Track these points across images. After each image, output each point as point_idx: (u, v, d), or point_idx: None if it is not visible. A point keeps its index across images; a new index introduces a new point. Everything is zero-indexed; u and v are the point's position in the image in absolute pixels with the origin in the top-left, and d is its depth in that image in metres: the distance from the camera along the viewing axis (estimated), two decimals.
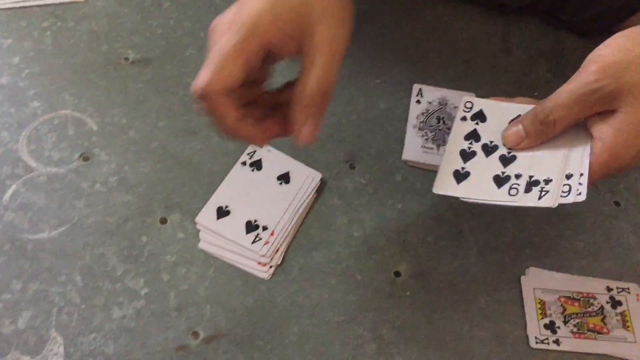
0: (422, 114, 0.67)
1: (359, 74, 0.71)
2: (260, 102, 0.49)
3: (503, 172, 0.49)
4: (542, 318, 0.55)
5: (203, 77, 0.43)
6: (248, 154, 0.63)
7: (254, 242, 0.57)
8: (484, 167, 0.50)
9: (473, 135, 0.52)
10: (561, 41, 0.76)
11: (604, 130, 0.46)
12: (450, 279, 0.58)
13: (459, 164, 0.50)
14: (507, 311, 0.56)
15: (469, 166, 0.50)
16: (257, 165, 0.62)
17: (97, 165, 0.62)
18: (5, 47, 0.69)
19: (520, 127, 0.49)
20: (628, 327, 0.55)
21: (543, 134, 0.48)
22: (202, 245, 0.58)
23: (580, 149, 0.48)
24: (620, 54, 0.46)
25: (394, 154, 0.65)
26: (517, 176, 0.49)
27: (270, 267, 0.57)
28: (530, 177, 0.48)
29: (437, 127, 0.66)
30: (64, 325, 0.53)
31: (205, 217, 0.59)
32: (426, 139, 0.65)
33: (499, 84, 0.72)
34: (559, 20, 0.76)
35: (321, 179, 0.62)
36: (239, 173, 0.62)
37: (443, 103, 0.68)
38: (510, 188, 0.48)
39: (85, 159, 0.62)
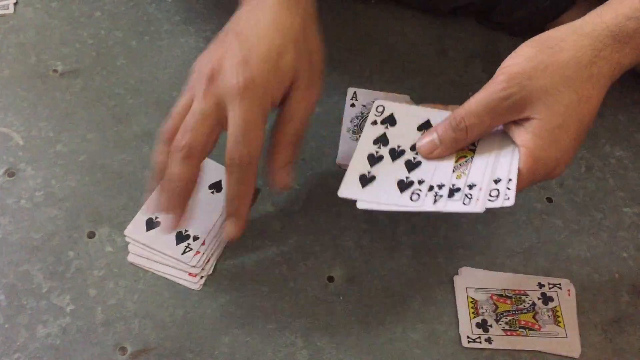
0: (357, 117, 0.67)
1: None
2: None
3: (407, 178, 0.49)
4: (474, 317, 0.56)
5: (244, 151, 0.47)
6: None
7: (184, 252, 0.56)
8: (389, 172, 0.50)
9: (382, 140, 0.52)
10: (495, 42, 0.77)
11: (524, 137, 0.47)
12: (384, 282, 0.58)
13: (365, 168, 0.50)
14: (440, 312, 0.56)
15: (374, 170, 0.50)
16: None
17: (23, 180, 0.60)
18: None
19: (434, 135, 0.50)
20: (559, 322, 0.56)
21: (456, 141, 0.49)
22: (131, 258, 0.57)
23: (509, 155, 0.48)
24: (525, 62, 0.47)
25: (328, 158, 0.65)
26: (420, 182, 0.49)
27: (202, 277, 0.56)
28: (441, 184, 0.48)
29: None
30: None
31: (135, 229, 0.58)
32: None
33: (434, 85, 0.72)
34: (492, 21, 0.77)
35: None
36: None
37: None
38: (413, 194, 0.48)
39: (11, 174, 0.61)
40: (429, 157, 0.50)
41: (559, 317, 0.56)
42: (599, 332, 0.56)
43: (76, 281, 0.55)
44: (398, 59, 0.74)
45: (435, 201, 0.47)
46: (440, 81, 0.72)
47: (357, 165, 0.50)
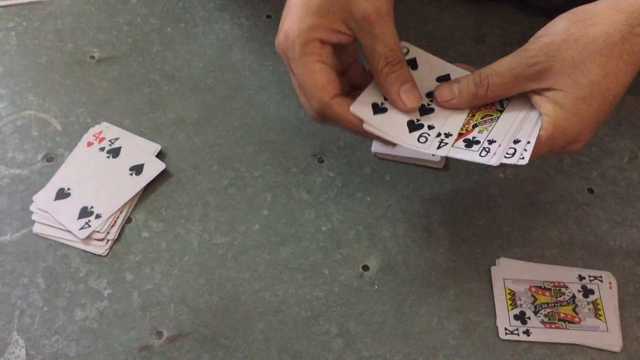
0: None
1: None
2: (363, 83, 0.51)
3: (417, 120, 0.49)
4: (512, 309, 0.54)
5: (315, 92, 0.48)
6: (110, 141, 0.62)
7: (82, 228, 0.56)
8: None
9: None
10: (535, 28, 0.73)
11: (547, 107, 0.47)
12: (419, 271, 0.57)
13: (379, 98, 0.50)
14: (476, 302, 0.55)
15: (387, 104, 0.49)
16: (114, 152, 0.61)
17: (61, 165, 0.61)
18: None
19: (455, 85, 0.49)
20: (600, 316, 0.54)
21: (474, 97, 0.49)
22: (36, 228, 0.57)
23: (533, 121, 0.49)
24: (557, 34, 0.47)
25: (363, 147, 0.64)
26: (430, 127, 0.49)
27: (108, 241, 0.56)
28: (448, 133, 0.49)
29: None
30: (26, 327, 0.53)
31: (44, 197, 0.58)
32: None
33: None
34: (532, 7, 0.75)
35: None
36: (94, 156, 0.61)
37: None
38: (420, 135, 0.48)
39: (49, 159, 0.61)
40: (444, 105, 0.50)
41: (599, 310, 0.55)
42: None
43: (113, 265, 0.56)
44: (435, 45, 0.72)
45: (439, 147, 0.48)
46: (477, 68, 0.71)
47: (372, 93, 0.50)
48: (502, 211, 0.61)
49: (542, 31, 0.49)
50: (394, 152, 0.63)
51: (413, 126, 0.49)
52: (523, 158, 0.46)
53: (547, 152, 0.48)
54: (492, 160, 0.46)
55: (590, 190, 0.62)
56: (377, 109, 0.49)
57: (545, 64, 0.46)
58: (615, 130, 0.66)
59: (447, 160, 0.63)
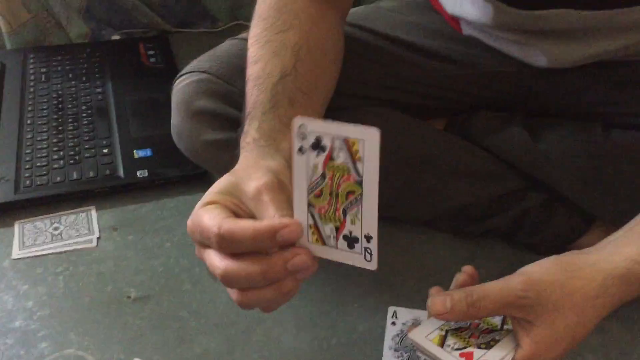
0: (397, 335, 0.72)
1: (338, 299, 0.77)
2: None
3: None
4: None
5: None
6: None
7: None
8: None
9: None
10: (523, 261, 0.82)
11: (525, 340, 0.54)
12: None
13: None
14: None
15: None
16: None
17: None
18: (21, 293, 0.77)
19: (447, 299, 0.54)
20: None
21: (465, 316, 0.54)
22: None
23: (509, 349, 0.55)
24: (545, 274, 0.54)
25: None
26: None
27: None
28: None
29: (412, 347, 0.71)
30: None
31: None
32: None
33: None
34: (517, 243, 0.84)
35: None
36: None
37: (417, 324, 0.74)
38: None
39: None
40: (436, 316, 0.55)
41: None
42: None
43: None
44: (432, 278, 0.81)
45: None
46: None
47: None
48: None
49: (531, 267, 0.56)
50: None
51: None
52: None
53: None
54: None
55: None
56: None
57: (533, 300, 0.53)
58: None
59: None
